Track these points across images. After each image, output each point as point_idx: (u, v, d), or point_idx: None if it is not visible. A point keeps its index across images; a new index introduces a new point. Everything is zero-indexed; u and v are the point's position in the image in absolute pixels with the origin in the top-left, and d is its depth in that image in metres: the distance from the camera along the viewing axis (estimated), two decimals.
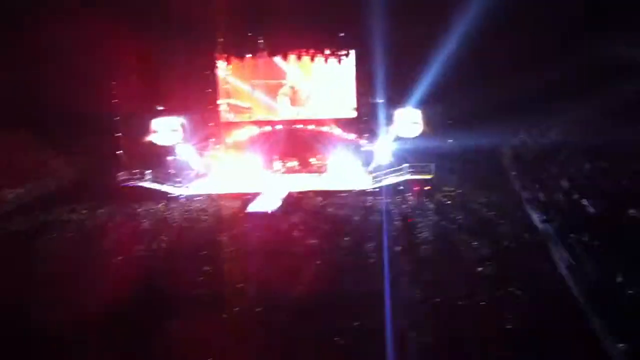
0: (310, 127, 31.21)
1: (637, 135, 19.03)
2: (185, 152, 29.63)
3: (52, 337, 12.89)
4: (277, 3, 28.40)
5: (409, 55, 27.61)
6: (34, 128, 27.66)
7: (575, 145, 21.82)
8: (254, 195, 25.26)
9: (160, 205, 24.70)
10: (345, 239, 19.21)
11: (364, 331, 13.15)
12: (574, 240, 16.57)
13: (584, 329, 13.16)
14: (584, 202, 18.33)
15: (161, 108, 30.22)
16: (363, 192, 25.67)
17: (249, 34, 30.39)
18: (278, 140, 30.92)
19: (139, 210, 23.94)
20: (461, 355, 12.35)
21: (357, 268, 16.84)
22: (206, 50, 31.00)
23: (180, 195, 26.73)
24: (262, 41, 30.63)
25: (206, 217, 22.70)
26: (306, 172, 29.67)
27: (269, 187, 26.50)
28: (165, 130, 29.58)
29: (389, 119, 28.71)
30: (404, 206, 23.12)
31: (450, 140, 27.03)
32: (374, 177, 26.95)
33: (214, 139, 31.51)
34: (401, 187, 25.55)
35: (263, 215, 22.70)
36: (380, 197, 24.40)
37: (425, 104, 27.84)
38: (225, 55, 31.60)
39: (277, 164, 30.04)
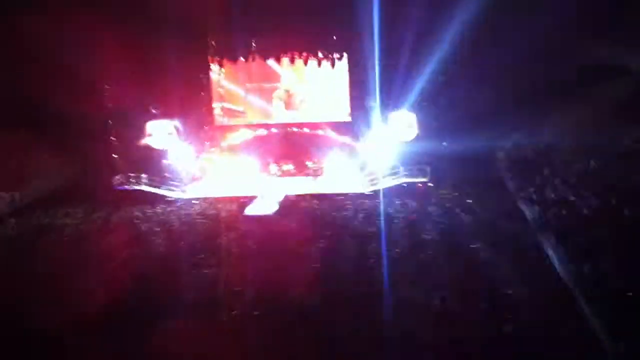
0: (306, 130, 31.24)
1: (632, 136, 19.26)
2: (180, 156, 29.55)
3: (49, 341, 12.87)
4: (270, 6, 28.44)
5: (403, 58, 27.67)
6: (27, 131, 27.42)
7: (569, 146, 22.02)
8: (251, 199, 25.31)
9: (156, 209, 24.67)
10: (342, 241, 19.34)
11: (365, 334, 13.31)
12: (571, 240, 16.77)
13: (582, 328, 13.35)
14: (579, 202, 18.57)
15: (155, 111, 30.06)
16: (359, 195, 25.79)
17: (242, 37, 30.33)
18: (273, 144, 30.97)
19: (136, 213, 23.89)
20: (461, 353, 12.46)
21: (355, 271, 16.98)
22: (199, 53, 30.95)
23: (177, 198, 26.69)
24: (255, 44, 30.62)
25: (203, 220, 22.71)
26: (302, 175, 29.71)
27: (265, 190, 26.53)
28: (160, 133, 29.46)
29: (384, 122, 28.80)
30: (401, 208, 23.30)
31: (445, 143, 27.11)
32: (370, 180, 27.07)
33: (209, 142, 31.47)
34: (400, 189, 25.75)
35: (261, 218, 22.74)
36: (376, 200, 24.52)
37: (419, 107, 27.94)
38: (218, 59, 31.58)
39: (273, 167, 30.05)
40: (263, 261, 17.81)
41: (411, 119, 28.40)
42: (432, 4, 26.20)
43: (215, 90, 31.91)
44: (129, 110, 29.25)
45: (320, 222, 21.88)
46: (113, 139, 29.30)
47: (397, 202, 24.11)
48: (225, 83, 31.94)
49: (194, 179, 29.63)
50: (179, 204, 25.93)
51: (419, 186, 25.59)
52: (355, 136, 30.61)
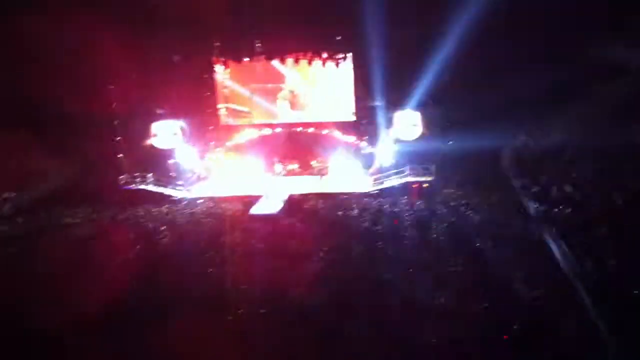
0: (311, 130, 31.28)
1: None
2: (185, 155, 29.65)
3: (54, 340, 12.94)
4: (274, 7, 28.47)
5: (408, 57, 27.68)
6: (33, 131, 27.56)
7: (576, 146, 22.01)
8: (256, 198, 25.37)
9: (162, 208, 24.76)
10: (349, 240, 19.38)
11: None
12: (575, 238, 16.77)
13: (584, 324, 13.36)
14: (585, 200, 18.58)
15: (161, 111, 30.17)
16: (364, 194, 25.82)
17: (247, 38, 30.38)
18: (278, 143, 31.01)
19: (142, 213, 24.00)
20: (461, 350, 12.49)
21: (361, 268, 17.04)
22: (204, 54, 31.03)
23: (182, 198, 26.79)
24: (259, 45, 30.67)
25: (209, 219, 22.78)
26: (307, 175, 29.75)
27: (270, 189, 26.58)
28: (166, 133, 29.55)
29: (389, 122, 28.81)
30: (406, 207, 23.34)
31: (451, 142, 27.10)
32: (375, 180, 27.11)
33: (214, 142, 31.56)
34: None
35: (267, 217, 22.78)
36: (381, 199, 24.55)
37: (424, 106, 27.94)
38: (223, 59, 31.65)
39: (278, 167, 30.10)
40: (268, 260, 17.85)
41: (416, 118, 28.38)
42: (437, 4, 26.24)
43: (220, 90, 31.97)
44: (135, 110, 29.34)
45: (325, 221, 21.91)
46: (119, 139, 29.40)
47: (402, 201, 24.11)
48: (230, 83, 31.98)
49: (199, 179, 29.71)
50: (184, 203, 26.02)
51: (414, 187, 25.49)
52: (360, 135, 30.61)
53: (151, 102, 29.90)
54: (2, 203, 24.61)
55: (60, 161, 28.34)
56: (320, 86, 31.53)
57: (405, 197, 24.99)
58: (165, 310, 14.41)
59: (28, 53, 26.60)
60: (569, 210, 18.88)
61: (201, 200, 26.15)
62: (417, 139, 28.35)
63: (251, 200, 25.06)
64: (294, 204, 24.67)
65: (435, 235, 19.70)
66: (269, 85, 31.85)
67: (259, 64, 31.22)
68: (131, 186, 26.99)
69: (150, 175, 27.36)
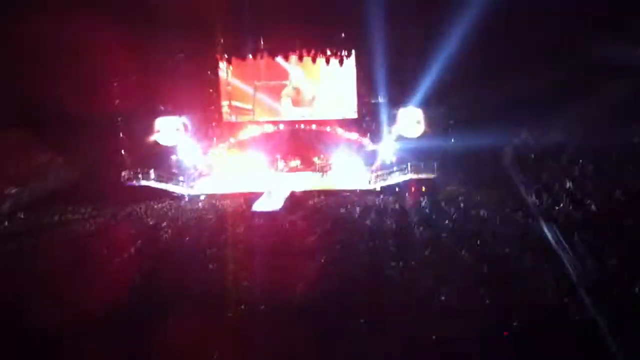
0: (313, 126, 31.28)
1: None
2: (188, 152, 29.67)
3: (56, 337, 12.99)
4: (278, 4, 28.44)
5: (410, 55, 27.68)
6: (35, 129, 27.63)
7: (577, 145, 21.99)
8: (258, 195, 25.39)
9: (165, 204, 24.80)
10: (351, 238, 19.42)
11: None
12: (577, 238, 16.76)
13: (586, 324, 13.36)
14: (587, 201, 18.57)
15: (163, 108, 30.22)
16: (366, 192, 25.82)
17: (250, 35, 30.36)
18: (281, 140, 31.02)
19: (144, 209, 24.04)
20: (462, 348, 12.50)
21: (362, 266, 17.08)
22: (207, 51, 31.04)
23: (184, 194, 26.83)
24: (263, 42, 30.65)
25: (211, 216, 22.81)
26: (309, 172, 29.77)
27: (272, 186, 26.60)
28: (168, 129, 29.60)
29: (391, 119, 28.80)
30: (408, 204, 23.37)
31: (453, 140, 27.08)
32: (377, 177, 27.10)
33: (216, 139, 31.58)
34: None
35: (269, 214, 22.80)
36: (383, 196, 24.56)
37: (427, 104, 27.92)
38: (227, 57, 31.65)
39: (280, 164, 30.11)
40: (270, 257, 17.87)
41: (418, 115, 28.36)
42: (439, 2, 26.20)
43: (223, 87, 31.98)
44: (138, 107, 29.39)
45: (327, 218, 21.91)
46: (122, 135, 29.46)
47: (404, 198, 24.13)
48: (233, 81, 32.00)
49: (201, 175, 29.73)
50: (186, 200, 26.04)
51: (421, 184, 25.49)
52: (363, 133, 30.60)
53: (154, 99, 29.93)
54: (4, 200, 24.60)
55: (63, 158, 28.40)
56: (324, 83, 31.53)
57: (407, 194, 24.92)
58: (167, 307, 14.45)
59: (31, 50, 26.59)
60: (570, 208, 18.84)
61: (203, 197, 26.14)
62: (419, 137, 28.35)
63: (253, 197, 25.05)
64: (296, 200, 24.65)
65: (434, 233, 19.70)
66: (272, 83, 31.90)
67: (263, 61, 31.21)
68: (133, 183, 27.00)
69: (152, 171, 27.36)
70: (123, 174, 27.34)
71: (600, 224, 17.09)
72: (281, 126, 31.59)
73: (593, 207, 18.25)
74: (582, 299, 14.32)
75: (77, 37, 25.97)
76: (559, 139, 23.70)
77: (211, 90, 31.77)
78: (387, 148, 28.62)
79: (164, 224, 22.01)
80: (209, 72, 31.62)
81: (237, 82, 32.03)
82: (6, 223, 22.94)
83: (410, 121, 28.53)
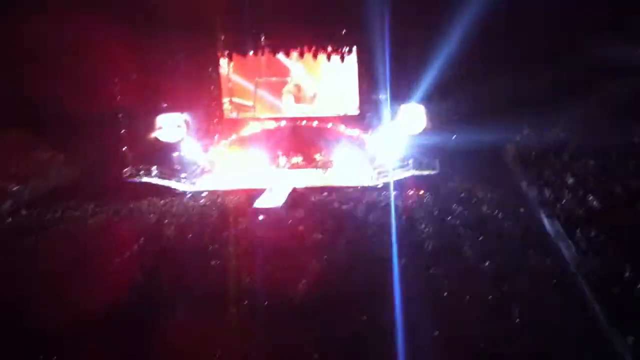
0: (315, 123, 31.26)
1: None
2: (190, 149, 29.67)
3: (59, 334, 13.07)
4: (279, 0, 28.43)
5: (412, 51, 27.64)
6: (36, 126, 27.66)
7: (579, 143, 21.98)
8: (260, 191, 25.39)
9: (167, 201, 24.79)
10: (353, 234, 19.42)
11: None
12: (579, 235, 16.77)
13: (591, 322, 13.36)
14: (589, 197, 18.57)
15: (165, 104, 30.22)
16: (368, 188, 25.81)
17: (251, 31, 30.33)
18: (282, 137, 31.00)
19: (146, 206, 24.03)
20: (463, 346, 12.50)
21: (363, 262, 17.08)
22: (208, 47, 31.01)
23: (186, 191, 26.83)
24: (264, 38, 30.62)
25: (213, 212, 22.80)
26: (311, 168, 29.74)
27: (274, 183, 26.59)
28: (170, 126, 29.61)
29: (393, 115, 28.78)
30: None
31: (455, 136, 27.04)
32: (379, 173, 27.07)
33: (218, 135, 31.57)
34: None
35: (271, 210, 22.80)
36: (385, 192, 24.54)
37: (429, 100, 27.89)
38: (227, 52, 31.63)
39: (282, 160, 30.09)
40: (271, 253, 17.88)
41: (420, 111, 28.33)
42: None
43: (224, 84, 31.96)
44: (139, 104, 29.40)
45: (329, 214, 21.90)
46: (124, 132, 29.46)
47: (405, 194, 24.12)
48: (234, 77, 31.98)
49: (203, 172, 29.72)
50: (188, 196, 26.04)
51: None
52: (364, 129, 30.57)
53: (156, 96, 29.92)
54: (6, 198, 24.61)
55: (65, 156, 28.43)
56: (325, 80, 31.51)
57: (409, 190, 24.89)
58: (169, 304, 14.49)
59: (32, 48, 26.63)
60: (572, 204, 18.85)
61: (205, 193, 26.15)
62: (421, 133, 28.34)
63: (255, 194, 25.05)
64: (297, 197, 24.64)
65: (433, 230, 19.71)
66: (274, 79, 31.88)
67: (263, 58, 31.17)
68: (135, 179, 27.00)
69: (154, 168, 27.36)
70: (125, 170, 27.36)
71: (602, 220, 17.10)
72: (282, 123, 31.56)
73: (595, 203, 18.26)
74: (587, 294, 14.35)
75: (77, 36, 26.03)
76: (561, 136, 23.69)
77: (212, 87, 31.72)
78: (389, 144, 28.56)
79: (166, 220, 21.95)
80: (210, 69, 31.56)
81: (238, 79, 32.01)
82: (9, 219, 22.92)
83: (412, 117, 28.54)
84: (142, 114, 29.57)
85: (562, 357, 12.27)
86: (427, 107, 28.32)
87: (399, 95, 28.55)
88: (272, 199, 24.36)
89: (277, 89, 32.00)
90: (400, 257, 17.03)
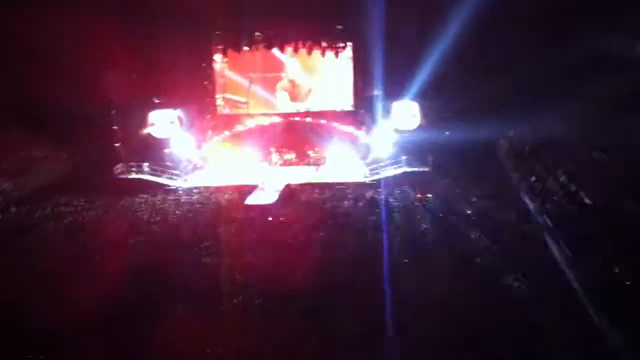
0: (308, 119, 31.17)
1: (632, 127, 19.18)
2: (182, 145, 29.54)
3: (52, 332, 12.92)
4: None
5: (407, 48, 27.58)
6: (28, 122, 27.48)
7: (572, 139, 21.92)
8: (252, 188, 25.30)
9: (158, 197, 24.69)
10: (344, 231, 19.35)
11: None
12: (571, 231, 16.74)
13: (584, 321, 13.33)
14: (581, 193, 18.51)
15: (158, 101, 30.08)
16: (361, 185, 25.75)
17: (246, 27, 30.25)
18: (275, 133, 30.91)
19: (137, 202, 23.92)
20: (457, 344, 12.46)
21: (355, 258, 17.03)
22: (202, 42, 30.91)
23: (178, 187, 26.72)
24: (259, 33, 30.52)
25: (205, 209, 22.71)
26: (304, 165, 29.66)
27: (266, 179, 26.50)
28: (162, 122, 29.48)
29: (387, 112, 28.72)
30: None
31: (448, 133, 26.99)
32: (372, 170, 27.01)
33: (211, 132, 31.45)
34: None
35: (262, 207, 22.72)
36: (378, 189, 24.51)
37: (423, 97, 27.84)
38: (222, 48, 31.51)
39: (275, 157, 29.99)
40: (262, 250, 17.80)
41: (414, 108, 28.28)
42: None
43: (218, 80, 31.84)
44: (132, 100, 29.25)
45: (321, 211, 21.83)
46: (116, 128, 29.32)
47: (397, 191, 24.08)
48: (227, 73, 31.86)
49: (195, 168, 29.62)
50: (180, 192, 25.93)
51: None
52: (358, 125, 30.50)
53: (148, 92, 29.78)
54: None
55: (56, 151, 28.27)
56: (319, 75, 31.42)
57: (401, 187, 24.83)
58: (159, 301, 14.38)
59: (23, 44, 26.46)
60: (565, 201, 18.80)
61: (197, 190, 26.04)
62: (414, 130, 28.29)
63: (247, 190, 24.96)
64: (290, 194, 24.56)
65: (428, 227, 19.66)
66: (268, 75, 31.78)
67: (258, 53, 31.06)
68: (127, 175, 26.88)
69: (146, 164, 27.23)
70: (117, 167, 27.23)
71: (595, 217, 17.05)
72: (276, 119, 31.45)
73: (587, 200, 18.20)
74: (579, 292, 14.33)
75: (69, 30, 25.85)
76: (554, 132, 23.63)
77: (206, 82, 31.65)
78: (382, 141, 28.50)
79: (157, 217, 21.88)
80: (203, 65, 31.50)
81: (231, 75, 31.89)
82: None
83: (406, 114, 28.49)
84: (134, 110, 29.39)
85: (551, 354, 12.18)
86: (420, 104, 28.24)
87: (393, 91, 28.52)
88: (264, 195, 24.28)
89: (271, 85, 31.88)
90: (390, 253, 16.98)
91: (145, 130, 29.38)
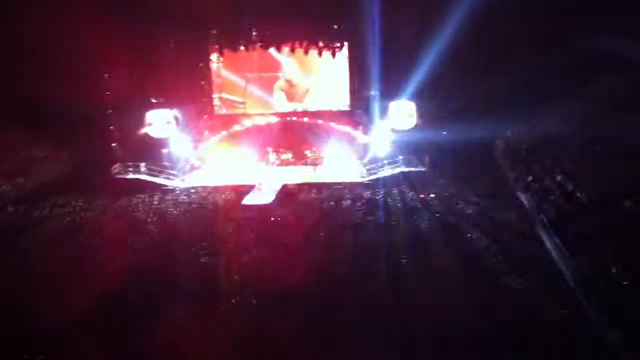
0: (305, 119, 31.17)
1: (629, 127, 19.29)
2: (179, 145, 29.50)
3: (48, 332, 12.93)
4: None
5: (403, 47, 27.61)
6: (26, 122, 27.43)
7: (568, 138, 22.02)
8: (249, 188, 25.29)
9: (155, 197, 24.65)
10: (341, 231, 19.36)
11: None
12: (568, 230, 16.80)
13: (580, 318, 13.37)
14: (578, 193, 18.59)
15: (155, 100, 30.04)
16: (358, 185, 25.76)
17: (243, 27, 30.22)
18: (272, 133, 30.87)
19: (134, 202, 23.89)
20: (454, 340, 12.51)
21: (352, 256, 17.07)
22: (199, 42, 30.87)
23: (175, 187, 26.68)
24: (255, 33, 30.50)
25: (202, 209, 22.69)
26: (301, 165, 29.66)
27: (263, 179, 26.48)
28: (160, 122, 29.44)
29: (384, 112, 28.74)
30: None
31: (445, 133, 27.04)
32: (369, 170, 27.02)
33: (208, 131, 31.42)
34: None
35: (260, 207, 22.70)
36: (375, 189, 24.52)
37: (419, 97, 27.87)
38: (218, 47, 31.48)
39: (272, 157, 29.97)
40: (260, 250, 17.80)
41: (411, 108, 28.31)
42: None
43: (215, 80, 31.81)
44: (129, 100, 29.21)
45: (318, 211, 21.84)
46: (113, 128, 29.27)
47: (394, 190, 24.10)
48: (224, 73, 31.83)
49: (192, 168, 29.58)
50: (177, 192, 25.89)
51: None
52: (355, 125, 30.51)
53: (146, 92, 29.74)
54: None
55: (54, 151, 28.24)
56: (317, 75, 31.42)
57: (398, 187, 24.85)
58: (155, 301, 14.37)
59: (20, 43, 26.41)
60: (561, 200, 18.87)
61: (194, 190, 26.01)
62: (411, 129, 28.33)
63: (244, 190, 24.94)
64: (287, 194, 24.56)
65: (424, 226, 19.72)
66: (265, 75, 31.75)
67: (255, 53, 31.04)
68: (124, 175, 26.84)
69: (143, 164, 27.18)
70: (114, 167, 27.18)
71: (591, 216, 17.13)
72: (273, 119, 31.44)
73: (584, 199, 18.27)
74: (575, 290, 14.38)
75: (66, 30, 25.81)
76: (551, 132, 23.72)
77: (203, 82, 31.61)
78: (379, 141, 28.52)
79: (155, 217, 21.87)
80: (200, 65, 31.44)
81: (228, 74, 31.85)
82: None
83: (403, 114, 28.51)
84: (131, 110, 29.35)
85: (549, 351, 12.23)
86: (417, 104, 28.27)
87: (390, 91, 28.52)
88: (262, 195, 24.27)
89: (268, 85, 31.86)
90: (386, 252, 17.02)
91: (143, 130, 29.29)
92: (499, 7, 23.96)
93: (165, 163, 28.37)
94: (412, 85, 27.43)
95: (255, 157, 29.98)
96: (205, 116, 31.76)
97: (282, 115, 31.50)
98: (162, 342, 12.44)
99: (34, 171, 27.03)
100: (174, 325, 13.04)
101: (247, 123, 31.44)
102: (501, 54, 25.29)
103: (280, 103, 31.78)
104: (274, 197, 24.06)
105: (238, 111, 32.02)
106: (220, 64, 31.76)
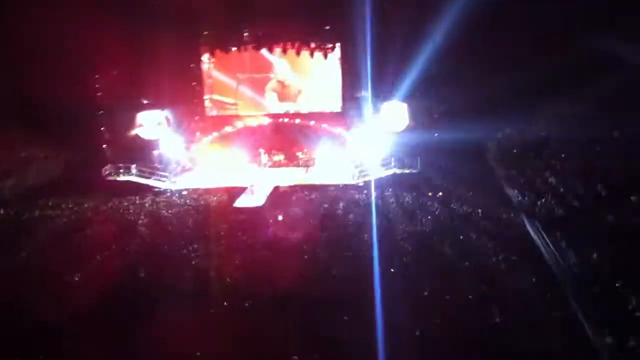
0: (297, 120, 31.12)
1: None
2: (170, 146, 29.35)
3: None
4: None
5: (395, 48, 27.60)
6: (15, 123, 27.20)
7: (560, 141, 22.10)
8: (241, 190, 25.20)
9: (146, 199, 24.52)
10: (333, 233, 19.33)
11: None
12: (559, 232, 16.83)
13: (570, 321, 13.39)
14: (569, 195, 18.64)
15: (146, 101, 29.89)
16: (350, 187, 25.72)
17: (234, 27, 30.15)
18: (264, 134, 30.81)
19: (125, 204, 23.75)
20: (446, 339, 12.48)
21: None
22: (191, 43, 30.75)
23: (166, 189, 26.55)
24: (247, 34, 30.43)
25: (193, 211, 22.58)
26: (293, 166, 29.59)
27: (255, 181, 26.39)
28: (150, 123, 29.30)
29: (376, 113, 28.73)
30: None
31: (437, 134, 27.05)
32: (361, 171, 26.99)
33: (199, 133, 31.30)
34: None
35: (251, 210, 22.62)
36: (366, 191, 24.49)
37: (411, 98, 27.88)
38: (210, 48, 31.38)
39: (264, 158, 29.89)
40: (251, 252, 17.74)
41: (403, 109, 28.32)
42: None
43: (206, 81, 31.69)
44: (120, 101, 29.03)
45: (310, 213, 21.79)
46: (103, 129, 29.08)
47: (386, 192, 24.09)
48: (215, 74, 31.72)
49: (184, 170, 29.44)
50: (168, 194, 25.77)
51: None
52: (347, 127, 30.48)
53: (136, 93, 29.59)
54: None
55: (44, 153, 28.02)
56: (309, 77, 31.38)
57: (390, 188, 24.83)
58: (146, 303, 14.29)
59: (11, 42, 26.18)
60: (553, 201, 18.92)
61: (185, 192, 25.89)
62: (403, 131, 28.33)
63: (236, 192, 24.85)
64: (279, 196, 24.49)
65: (417, 226, 19.70)
66: (256, 76, 31.68)
67: (247, 54, 30.96)
68: (115, 177, 26.67)
69: (134, 166, 27.03)
70: (105, 169, 27.01)
71: (583, 218, 17.18)
72: (264, 120, 31.37)
73: (575, 202, 18.33)
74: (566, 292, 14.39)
75: (57, 30, 25.60)
76: (542, 134, 23.79)
77: (194, 83, 31.50)
78: (371, 142, 28.50)
79: (145, 219, 21.73)
80: (192, 66, 31.34)
81: (219, 76, 31.75)
82: None
83: (395, 115, 28.51)
84: (122, 111, 29.16)
85: (541, 354, 12.23)
86: (409, 105, 28.27)
87: (382, 92, 28.53)
88: (253, 198, 24.18)
89: (259, 86, 31.78)
90: (379, 254, 16.98)
91: (134, 132, 29.13)
92: (491, 7, 23.97)
93: (157, 165, 28.26)
94: (404, 87, 27.43)
95: (247, 158, 29.88)
96: (196, 117, 31.63)
97: (274, 116, 31.45)
98: (153, 343, 12.38)
99: (24, 172, 26.82)
100: (165, 327, 12.95)
101: (239, 124, 31.36)
102: (494, 54, 25.31)
103: (272, 104, 31.70)
104: (266, 199, 23.96)
105: (230, 112, 31.90)
106: (212, 65, 31.63)
